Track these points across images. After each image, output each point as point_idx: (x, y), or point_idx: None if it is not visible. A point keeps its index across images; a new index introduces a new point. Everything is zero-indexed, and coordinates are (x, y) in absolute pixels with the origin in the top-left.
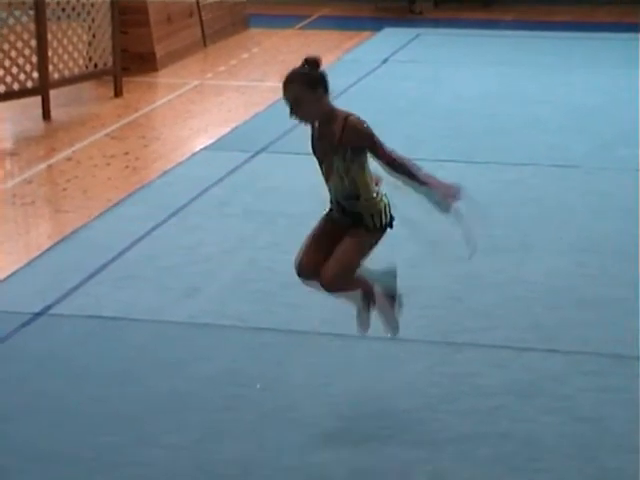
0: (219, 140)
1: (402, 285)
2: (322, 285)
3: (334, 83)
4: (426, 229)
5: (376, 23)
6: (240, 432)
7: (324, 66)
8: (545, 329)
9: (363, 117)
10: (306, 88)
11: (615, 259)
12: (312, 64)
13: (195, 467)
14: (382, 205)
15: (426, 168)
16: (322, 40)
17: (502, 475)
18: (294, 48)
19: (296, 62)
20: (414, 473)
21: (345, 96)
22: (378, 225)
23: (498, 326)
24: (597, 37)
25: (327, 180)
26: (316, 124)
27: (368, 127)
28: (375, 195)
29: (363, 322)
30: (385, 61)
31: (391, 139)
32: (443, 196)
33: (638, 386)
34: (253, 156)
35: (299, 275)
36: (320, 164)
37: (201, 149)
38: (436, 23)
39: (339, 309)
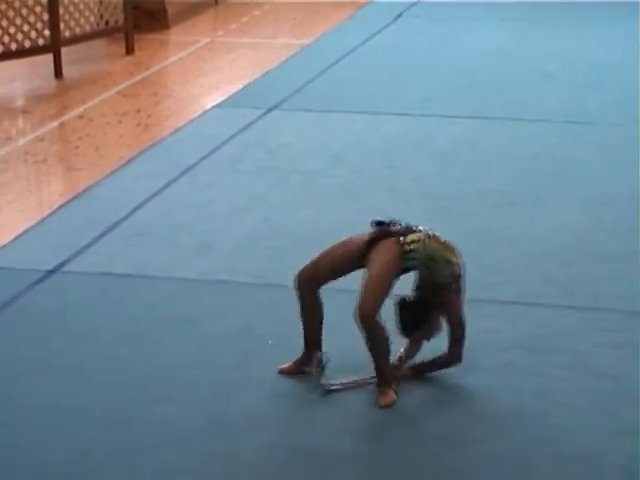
0: (231, 97)
1: None
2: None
3: (347, 41)
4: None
5: None
6: (252, 388)
7: (337, 23)
8: (559, 285)
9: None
10: None
11: (630, 213)
12: None
13: (206, 423)
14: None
15: (437, 123)
16: None
17: (514, 429)
18: (306, 5)
19: (308, 19)
20: (425, 427)
21: (358, 52)
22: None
23: (510, 281)
24: None
25: None
26: None
27: None
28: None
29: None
30: (398, 17)
31: (404, 95)
32: None
33: None
34: (265, 113)
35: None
36: None
37: (213, 106)
38: None
39: None
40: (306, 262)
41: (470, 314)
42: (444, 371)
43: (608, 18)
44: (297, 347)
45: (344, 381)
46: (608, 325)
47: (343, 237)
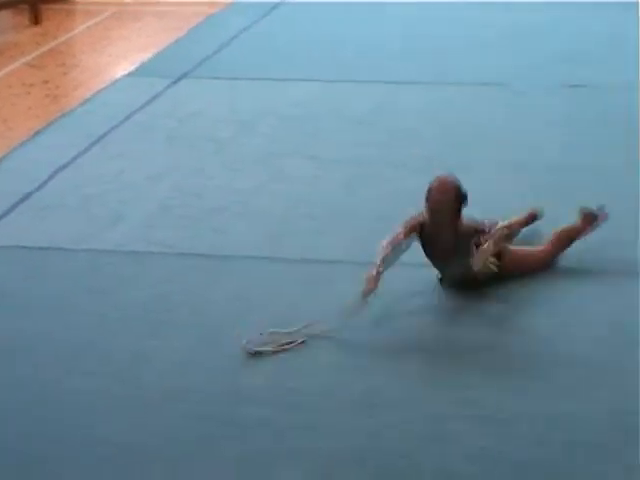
0: (140, 66)
1: (332, 209)
2: None
3: (258, 7)
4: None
5: None
6: (168, 358)
7: None
8: None
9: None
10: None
11: (548, 173)
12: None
13: (122, 394)
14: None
15: (357, 88)
16: None
17: (433, 391)
18: None
19: None
20: (344, 392)
21: (269, 18)
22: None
23: None
24: None
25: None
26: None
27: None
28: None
29: None
30: None
31: (314, 61)
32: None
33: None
34: (175, 82)
35: None
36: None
37: (122, 76)
38: None
39: (265, 233)
40: (220, 229)
41: (384, 278)
42: (361, 334)
43: None
44: (211, 315)
45: (270, 343)
46: (524, 282)
47: (256, 203)
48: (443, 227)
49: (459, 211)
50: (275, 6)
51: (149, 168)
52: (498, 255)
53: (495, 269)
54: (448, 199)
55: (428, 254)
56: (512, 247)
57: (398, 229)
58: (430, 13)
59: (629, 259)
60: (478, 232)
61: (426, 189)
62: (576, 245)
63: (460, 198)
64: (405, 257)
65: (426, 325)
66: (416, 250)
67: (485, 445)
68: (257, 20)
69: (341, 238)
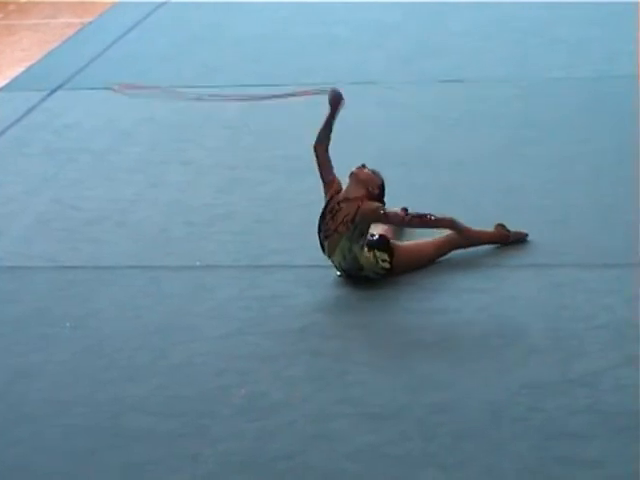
0: (14, 80)
1: (210, 213)
2: None
3: (129, 16)
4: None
5: None
6: (52, 371)
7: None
8: None
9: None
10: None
11: (422, 169)
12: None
13: (6, 408)
14: (379, 262)
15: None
16: None
17: (316, 392)
18: None
19: None
20: (230, 397)
21: (141, 28)
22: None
23: (305, 246)
24: None
25: (329, 257)
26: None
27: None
28: (373, 256)
29: None
30: None
31: (190, 68)
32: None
33: (437, 292)
34: (50, 94)
35: None
36: (322, 241)
37: None
38: None
39: (145, 242)
40: (99, 240)
41: (266, 280)
42: (243, 338)
43: None
44: (94, 327)
45: None
46: (396, 281)
47: (136, 212)
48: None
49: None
50: (146, 17)
51: (26, 182)
52: (391, 254)
53: (387, 267)
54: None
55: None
56: (402, 244)
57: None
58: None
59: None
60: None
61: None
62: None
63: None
64: (287, 259)
65: (310, 325)
66: (301, 252)
67: (370, 442)
68: (129, 30)
69: (221, 242)
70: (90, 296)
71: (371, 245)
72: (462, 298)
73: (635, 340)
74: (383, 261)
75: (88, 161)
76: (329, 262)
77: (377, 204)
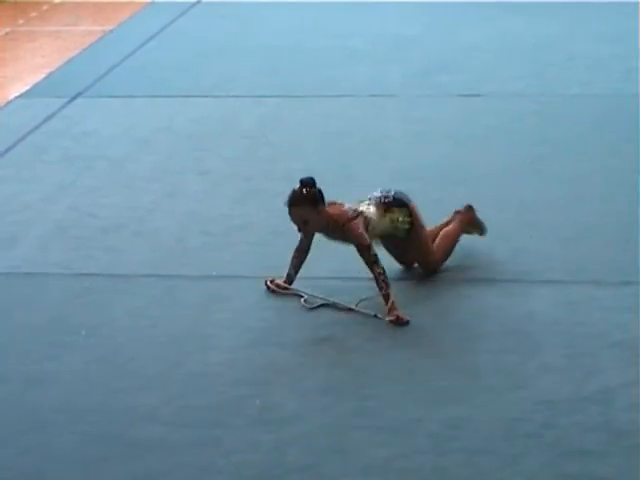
0: (34, 87)
1: (226, 224)
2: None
3: (149, 25)
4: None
5: None
6: (66, 379)
7: (139, 8)
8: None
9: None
10: (311, 209)
11: (439, 184)
12: (309, 184)
13: (20, 416)
14: (399, 219)
15: (244, 104)
16: None
17: (331, 404)
18: None
19: (109, 5)
20: (244, 408)
21: (161, 36)
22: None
23: (322, 258)
24: None
25: None
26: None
27: (362, 234)
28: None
29: None
30: (199, 1)
31: (209, 78)
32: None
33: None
34: (69, 101)
35: None
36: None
37: (16, 97)
38: None
39: (162, 251)
40: (116, 248)
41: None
42: (259, 349)
43: None
44: (109, 335)
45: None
46: (413, 295)
47: (153, 221)
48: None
49: (323, 204)
50: (166, 26)
51: (44, 189)
52: (409, 213)
53: (406, 227)
54: (307, 209)
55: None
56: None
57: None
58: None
59: None
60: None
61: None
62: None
63: (315, 200)
64: (303, 270)
65: (323, 339)
66: (317, 263)
67: (384, 455)
68: (149, 39)
69: (237, 253)
70: (105, 304)
71: (388, 205)
72: (478, 314)
73: None
74: (402, 221)
75: (105, 169)
76: (346, 274)
77: (354, 226)
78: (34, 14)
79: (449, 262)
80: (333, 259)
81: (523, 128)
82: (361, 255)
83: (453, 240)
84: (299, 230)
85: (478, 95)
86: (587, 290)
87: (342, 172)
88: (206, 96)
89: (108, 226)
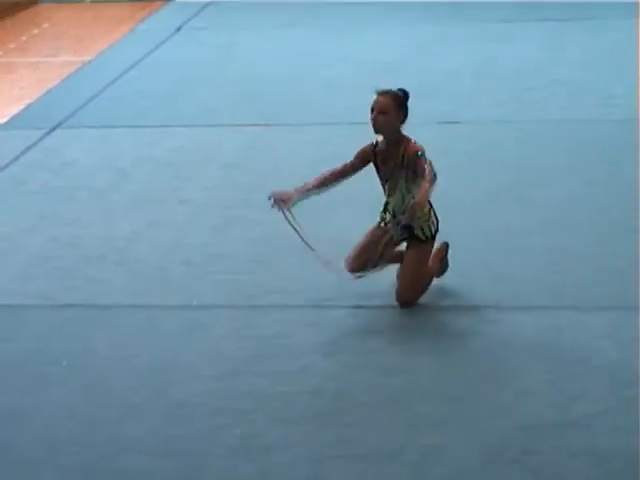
0: (13, 118)
1: (207, 253)
2: (401, 303)
3: (128, 55)
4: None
5: None
6: (47, 411)
7: (118, 38)
8: (348, 286)
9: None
10: (395, 105)
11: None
12: (404, 93)
13: (0, 449)
14: (431, 219)
15: (224, 132)
16: (114, 12)
17: (312, 432)
18: (85, 21)
19: (88, 35)
20: (224, 437)
21: (140, 66)
22: (428, 235)
23: (302, 287)
24: None
25: (389, 196)
26: (382, 146)
27: (424, 153)
28: (427, 211)
29: None
30: (179, 29)
31: (189, 107)
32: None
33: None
34: (48, 133)
35: (349, 271)
36: (384, 183)
37: None
38: None
39: (143, 281)
40: (96, 279)
41: (262, 320)
42: (239, 379)
43: (386, 21)
44: (90, 366)
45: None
46: (395, 322)
47: (134, 250)
48: (392, 142)
49: (404, 117)
50: (145, 56)
51: (23, 220)
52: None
53: (432, 232)
54: (391, 103)
55: (382, 176)
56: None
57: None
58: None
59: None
60: (417, 159)
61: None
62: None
63: (402, 105)
64: (283, 299)
65: (306, 366)
66: (298, 292)
67: None
68: (128, 69)
69: (217, 282)
70: (86, 335)
71: (431, 204)
72: (459, 340)
73: (631, 383)
74: (432, 224)
75: (86, 199)
76: (326, 302)
77: (418, 148)
78: (12, 45)
79: (429, 290)
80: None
81: (503, 155)
82: (416, 170)
83: (429, 277)
84: (372, 119)
85: (458, 122)
86: (568, 315)
87: (323, 200)
88: (186, 125)
89: (89, 256)
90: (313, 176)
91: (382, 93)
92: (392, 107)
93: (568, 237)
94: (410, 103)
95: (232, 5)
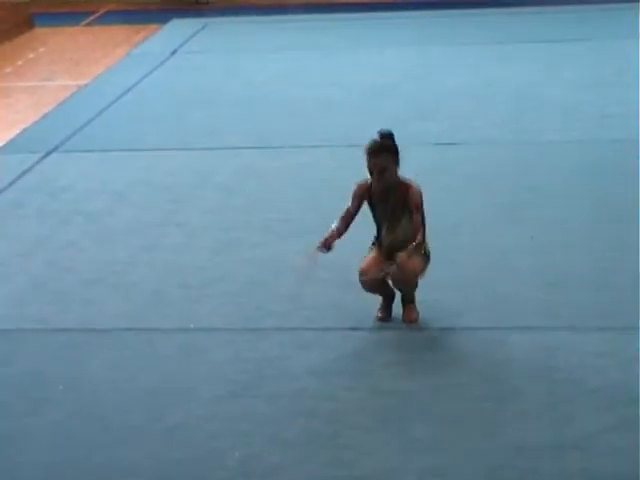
0: (8, 143)
1: (204, 275)
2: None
3: (125, 79)
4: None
5: (163, 15)
6: (46, 434)
7: (114, 62)
8: (344, 308)
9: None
10: (391, 158)
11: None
12: (389, 135)
13: None
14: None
15: (220, 155)
16: (109, 35)
17: (309, 455)
18: (81, 45)
19: (84, 59)
20: (224, 460)
21: (136, 90)
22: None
23: (300, 309)
24: (381, 17)
25: (389, 234)
26: (380, 188)
27: (421, 197)
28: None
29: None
30: (174, 53)
31: (185, 130)
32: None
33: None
34: (44, 157)
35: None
36: (381, 221)
37: None
38: (223, 12)
39: (140, 304)
40: (93, 302)
41: (261, 343)
42: (238, 401)
43: (383, 42)
44: (87, 390)
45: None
46: (390, 343)
47: (131, 274)
48: (390, 185)
49: (399, 159)
50: (141, 79)
51: (19, 245)
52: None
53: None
54: (388, 158)
55: (378, 216)
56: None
57: (347, 203)
58: (284, 74)
59: None
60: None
61: (364, 152)
62: None
63: (395, 151)
64: (282, 322)
65: (304, 388)
66: (296, 314)
67: None
68: (124, 92)
69: (215, 305)
70: (83, 358)
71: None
72: (455, 361)
73: (629, 403)
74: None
75: (82, 223)
76: (323, 324)
77: (418, 199)
78: (9, 70)
79: (425, 310)
80: None
81: (501, 175)
82: (412, 218)
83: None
84: (376, 177)
85: (454, 143)
86: (565, 336)
87: (319, 222)
88: (182, 149)
89: (85, 280)
90: (328, 228)
91: (373, 152)
92: (390, 161)
93: (565, 257)
94: (407, 124)
95: (227, 29)
